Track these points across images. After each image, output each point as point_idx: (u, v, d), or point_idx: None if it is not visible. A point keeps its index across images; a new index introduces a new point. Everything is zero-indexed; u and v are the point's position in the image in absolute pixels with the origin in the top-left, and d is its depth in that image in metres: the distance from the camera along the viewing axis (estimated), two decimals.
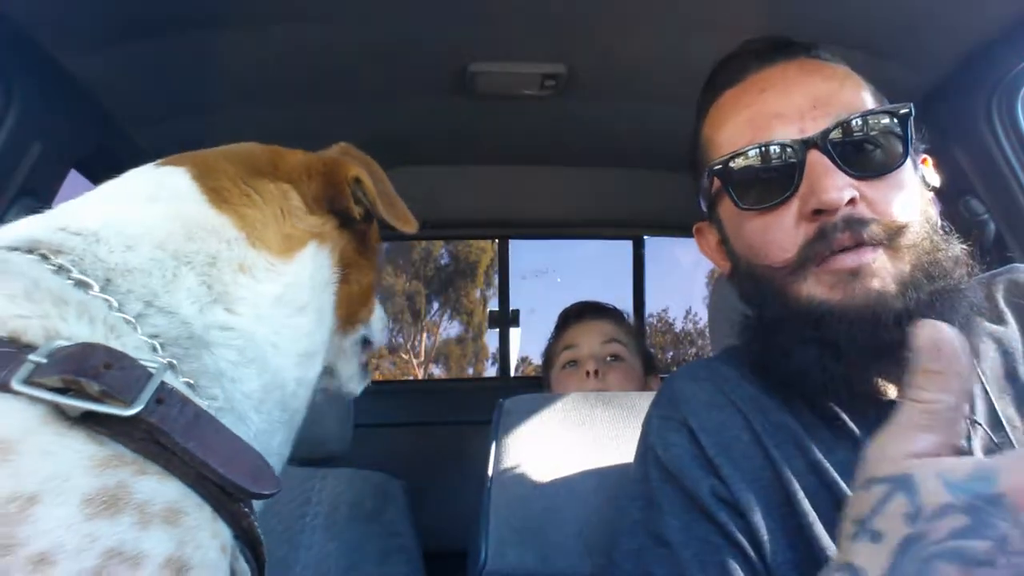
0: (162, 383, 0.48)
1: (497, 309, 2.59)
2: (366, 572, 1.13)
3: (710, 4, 1.16)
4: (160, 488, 0.45)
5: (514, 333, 2.62)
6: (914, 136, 0.70)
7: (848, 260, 0.65)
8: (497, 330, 2.58)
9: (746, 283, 0.76)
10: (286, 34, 1.22)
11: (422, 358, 11.58)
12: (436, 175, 1.87)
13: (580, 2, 1.16)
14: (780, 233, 0.69)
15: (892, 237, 0.65)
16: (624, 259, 2.43)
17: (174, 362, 0.52)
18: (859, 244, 0.65)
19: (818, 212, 0.66)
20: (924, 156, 0.75)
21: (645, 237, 2.33)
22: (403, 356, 11.52)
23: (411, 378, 11.29)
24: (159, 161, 0.65)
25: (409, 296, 11.47)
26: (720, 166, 0.72)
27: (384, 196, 0.70)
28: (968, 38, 1.18)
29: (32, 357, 0.44)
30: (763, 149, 0.69)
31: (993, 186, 1.27)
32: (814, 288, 0.67)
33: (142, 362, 0.48)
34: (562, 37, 1.27)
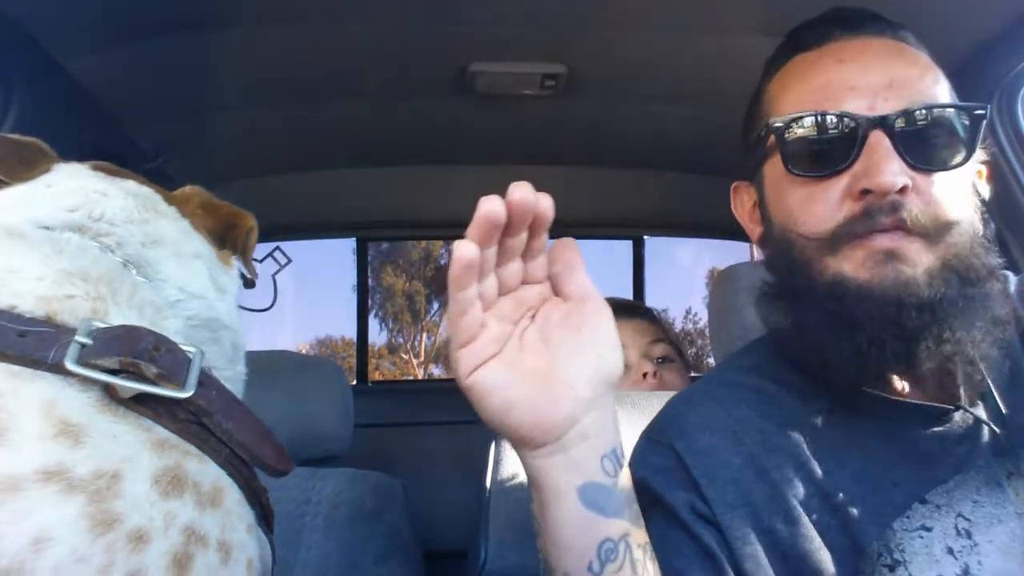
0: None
1: None
2: (366, 572, 1.13)
3: (710, 4, 1.16)
4: (203, 469, 0.47)
5: None
6: (980, 142, 0.69)
7: (885, 241, 0.64)
8: None
9: (775, 249, 0.74)
10: (286, 34, 1.22)
11: (422, 358, 11.58)
12: (436, 175, 1.87)
13: (580, 2, 1.16)
14: (823, 205, 0.68)
15: (936, 232, 0.65)
16: (624, 259, 2.43)
17: (202, 349, 0.54)
18: (899, 228, 0.64)
19: (866, 192, 0.65)
20: (980, 168, 0.74)
21: (645, 237, 2.33)
22: (403, 356, 11.51)
23: (411, 378, 11.28)
24: (96, 168, 0.66)
25: (409, 296, 11.47)
26: (780, 124, 0.70)
27: None
28: (968, 38, 1.18)
29: (77, 338, 0.44)
30: (827, 118, 0.67)
31: (993, 186, 1.26)
32: (844, 264, 0.66)
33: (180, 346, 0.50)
34: (562, 37, 1.27)
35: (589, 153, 1.77)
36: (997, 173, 1.25)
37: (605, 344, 0.54)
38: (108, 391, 0.45)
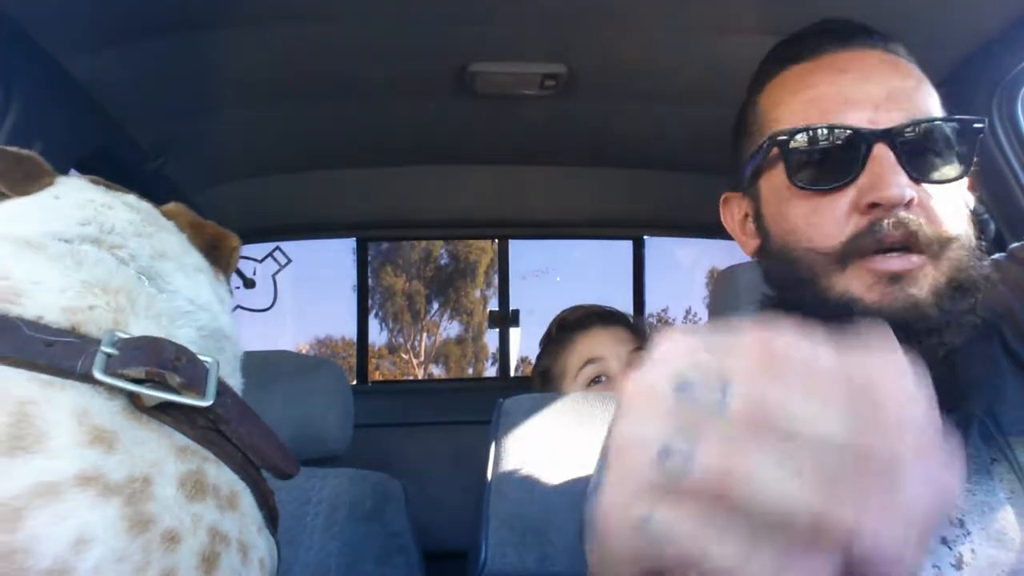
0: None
1: (497, 309, 2.59)
2: (366, 572, 1.13)
3: (711, 4, 1.16)
4: (220, 474, 0.49)
5: (514, 333, 2.62)
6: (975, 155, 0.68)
7: (894, 264, 0.63)
8: (497, 330, 2.58)
9: (776, 263, 0.72)
10: (286, 34, 1.22)
11: (422, 358, 11.57)
12: (436, 175, 1.87)
13: (580, 2, 1.16)
14: (829, 219, 0.67)
15: (940, 247, 0.64)
16: (624, 259, 2.43)
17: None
18: (907, 245, 0.63)
19: (874, 206, 0.64)
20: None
21: (645, 237, 2.33)
22: (403, 356, 11.51)
23: (411, 378, 11.28)
24: (94, 182, 0.67)
25: (409, 296, 11.46)
26: (784, 137, 0.69)
27: None
28: (968, 38, 1.18)
29: (103, 348, 0.46)
30: (832, 130, 0.66)
31: (993, 186, 1.27)
32: (851, 283, 0.65)
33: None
34: (562, 37, 1.27)
35: (589, 153, 1.77)
36: (997, 173, 1.25)
37: None
38: (132, 400, 0.47)
